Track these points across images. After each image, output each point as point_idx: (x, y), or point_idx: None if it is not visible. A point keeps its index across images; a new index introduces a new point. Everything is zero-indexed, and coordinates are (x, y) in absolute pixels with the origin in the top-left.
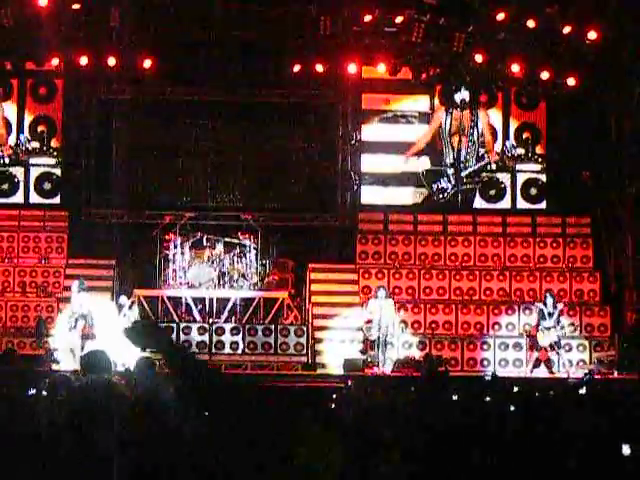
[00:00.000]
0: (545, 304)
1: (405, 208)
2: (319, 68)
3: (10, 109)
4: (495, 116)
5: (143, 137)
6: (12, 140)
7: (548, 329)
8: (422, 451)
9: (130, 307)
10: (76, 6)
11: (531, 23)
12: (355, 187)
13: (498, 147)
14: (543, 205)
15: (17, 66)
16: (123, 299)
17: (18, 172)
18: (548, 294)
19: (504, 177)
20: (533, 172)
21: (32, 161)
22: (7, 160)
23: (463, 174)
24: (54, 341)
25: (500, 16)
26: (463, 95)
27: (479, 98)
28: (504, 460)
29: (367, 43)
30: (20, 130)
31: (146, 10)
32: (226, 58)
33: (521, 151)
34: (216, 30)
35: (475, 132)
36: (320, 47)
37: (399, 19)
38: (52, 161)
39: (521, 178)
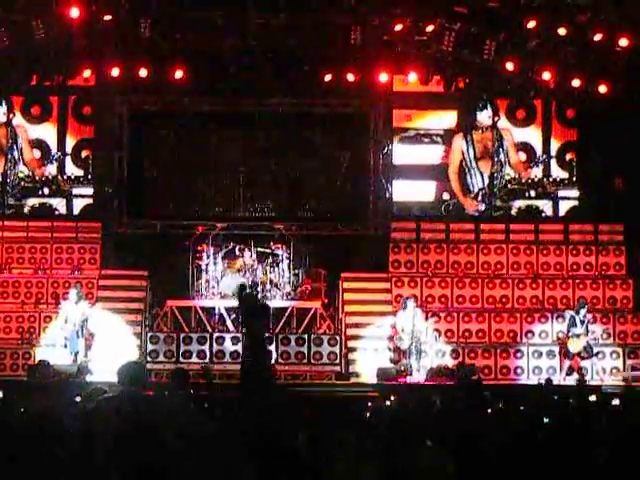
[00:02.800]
0: (577, 312)
1: (437, 217)
2: (350, 77)
3: (49, 132)
4: (533, 134)
5: (175, 148)
6: (53, 169)
7: (578, 336)
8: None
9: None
10: (107, 17)
11: (562, 31)
12: (387, 196)
13: (538, 171)
14: (574, 202)
15: (56, 82)
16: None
17: (59, 204)
18: (581, 302)
19: (545, 204)
20: (577, 199)
21: (75, 191)
22: (46, 191)
23: (497, 202)
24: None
25: (531, 24)
26: (488, 114)
27: (498, 114)
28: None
29: (398, 52)
30: (62, 156)
31: (177, 20)
32: (257, 68)
33: (564, 175)
34: (247, 40)
35: (502, 153)
36: (351, 56)
37: (430, 28)
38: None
39: (565, 206)
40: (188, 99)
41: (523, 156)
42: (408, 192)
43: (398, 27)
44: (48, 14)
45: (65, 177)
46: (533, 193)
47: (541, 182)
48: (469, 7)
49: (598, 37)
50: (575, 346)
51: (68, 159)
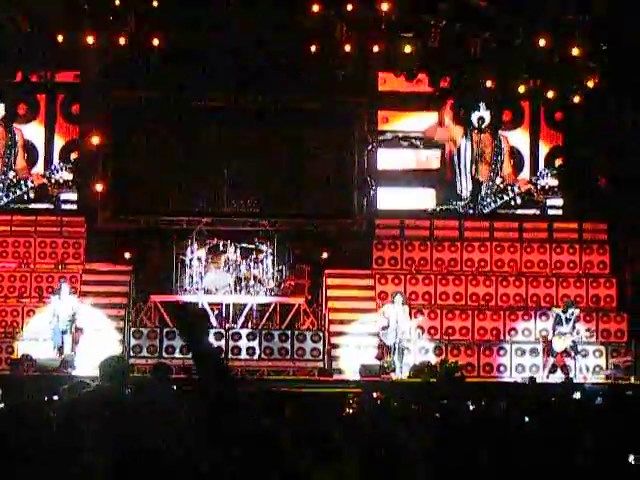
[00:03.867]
0: (565, 310)
1: (421, 213)
2: (336, 74)
3: (37, 131)
4: (520, 138)
5: (159, 143)
6: (39, 169)
7: (564, 334)
8: (439, 455)
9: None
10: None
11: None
12: (371, 192)
13: (524, 176)
14: (559, 211)
15: (43, 77)
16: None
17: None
18: (568, 301)
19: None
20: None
21: (63, 197)
22: (32, 195)
23: (485, 210)
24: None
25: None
26: (482, 114)
27: (501, 117)
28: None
29: (384, 48)
30: (49, 158)
31: (162, 17)
32: (242, 63)
33: (553, 182)
34: (234, 35)
35: (499, 160)
36: (337, 52)
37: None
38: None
39: (551, 212)
40: (174, 95)
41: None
42: (391, 199)
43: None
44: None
45: (53, 181)
46: (519, 200)
47: (529, 191)
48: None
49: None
50: (560, 344)
51: (55, 161)
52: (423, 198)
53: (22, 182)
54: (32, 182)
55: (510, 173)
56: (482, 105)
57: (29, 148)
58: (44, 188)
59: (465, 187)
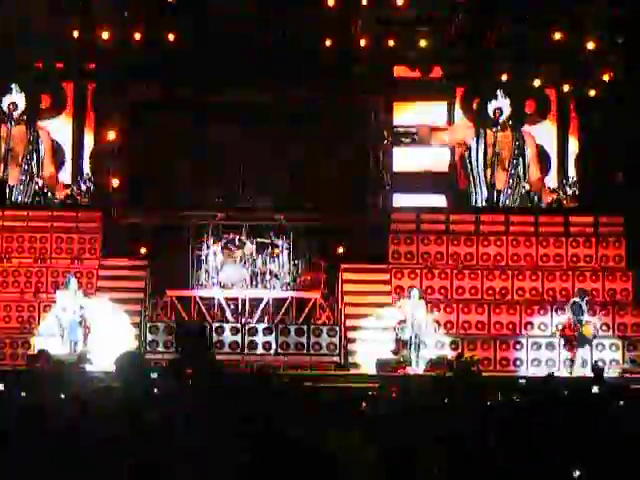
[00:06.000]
0: (581, 298)
1: (437, 208)
2: (352, 68)
3: (63, 129)
4: (547, 134)
5: (175, 139)
6: (65, 177)
7: (589, 322)
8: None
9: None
10: None
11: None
12: (387, 187)
13: (551, 181)
14: (574, 204)
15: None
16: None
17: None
18: (580, 289)
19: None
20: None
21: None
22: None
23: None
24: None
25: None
26: (499, 104)
27: (523, 108)
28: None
29: (399, 42)
30: (79, 163)
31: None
32: (259, 58)
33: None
34: (249, 29)
35: (521, 163)
36: (352, 47)
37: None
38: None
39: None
40: (189, 89)
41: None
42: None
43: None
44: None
45: (83, 188)
46: (543, 206)
47: (557, 199)
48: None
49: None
50: (588, 332)
51: (85, 164)
52: (436, 203)
53: (49, 192)
54: (57, 194)
55: (538, 180)
56: (500, 93)
57: (56, 150)
58: (72, 198)
59: (480, 196)
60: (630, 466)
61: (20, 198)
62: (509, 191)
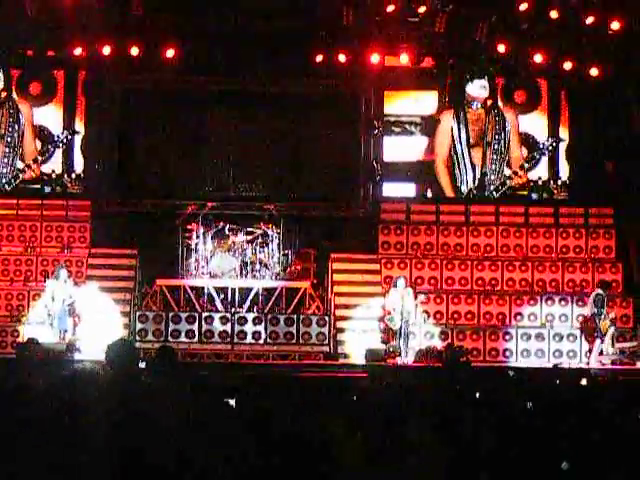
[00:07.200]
0: (604, 290)
1: (427, 199)
2: (342, 59)
3: (53, 116)
4: (539, 122)
5: (165, 127)
6: (58, 164)
7: (607, 315)
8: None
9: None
10: None
11: (554, 14)
12: (377, 177)
13: (543, 170)
14: (565, 195)
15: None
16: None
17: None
18: (603, 281)
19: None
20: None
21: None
22: (47, 189)
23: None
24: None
25: (523, 6)
26: (481, 84)
27: (499, 87)
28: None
29: (390, 34)
30: (69, 151)
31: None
32: (248, 48)
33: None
34: (239, 19)
35: (502, 140)
36: (343, 38)
37: (422, 9)
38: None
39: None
40: (179, 78)
41: (524, 151)
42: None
43: (390, 8)
44: None
45: (74, 176)
46: (535, 196)
47: (546, 184)
48: None
49: (590, 20)
50: (605, 326)
51: (77, 151)
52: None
53: (27, 168)
54: (34, 171)
55: (518, 157)
56: (483, 75)
57: (43, 136)
58: (61, 184)
59: (465, 179)
60: (613, 456)
61: (5, 171)
62: (493, 167)
